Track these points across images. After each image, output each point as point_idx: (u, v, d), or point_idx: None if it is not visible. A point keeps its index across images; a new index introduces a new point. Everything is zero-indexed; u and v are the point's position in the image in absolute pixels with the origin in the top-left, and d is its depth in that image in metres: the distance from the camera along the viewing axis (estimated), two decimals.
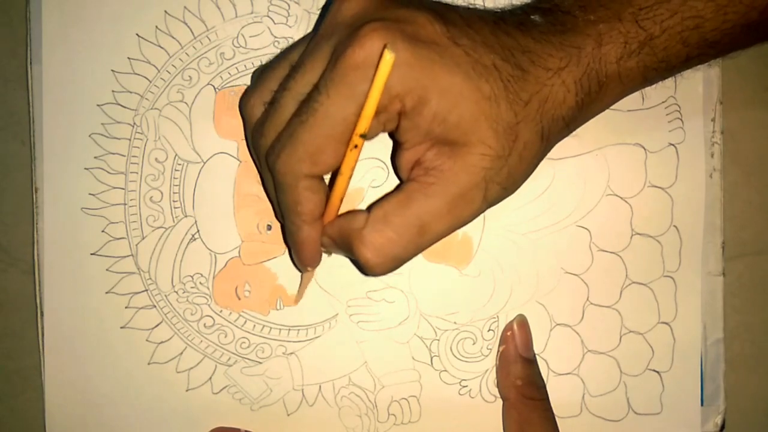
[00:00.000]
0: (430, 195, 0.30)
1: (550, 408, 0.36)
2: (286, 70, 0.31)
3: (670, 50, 0.31)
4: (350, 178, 0.31)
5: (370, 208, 0.31)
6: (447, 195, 0.30)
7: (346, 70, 0.28)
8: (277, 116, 0.31)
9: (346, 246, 0.31)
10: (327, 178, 0.32)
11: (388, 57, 0.27)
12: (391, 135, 0.32)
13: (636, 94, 0.37)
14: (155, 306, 0.37)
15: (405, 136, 0.30)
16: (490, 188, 0.30)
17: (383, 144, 0.36)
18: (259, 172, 0.35)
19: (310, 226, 0.31)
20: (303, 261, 0.33)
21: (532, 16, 0.31)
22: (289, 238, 0.33)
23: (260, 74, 0.33)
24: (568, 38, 0.30)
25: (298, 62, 0.31)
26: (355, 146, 0.29)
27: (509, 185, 0.31)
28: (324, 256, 0.34)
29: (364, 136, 0.29)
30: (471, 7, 0.33)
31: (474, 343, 0.38)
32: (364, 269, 0.31)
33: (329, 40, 0.30)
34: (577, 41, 0.30)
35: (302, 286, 0.37)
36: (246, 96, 0.33)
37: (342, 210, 0.32)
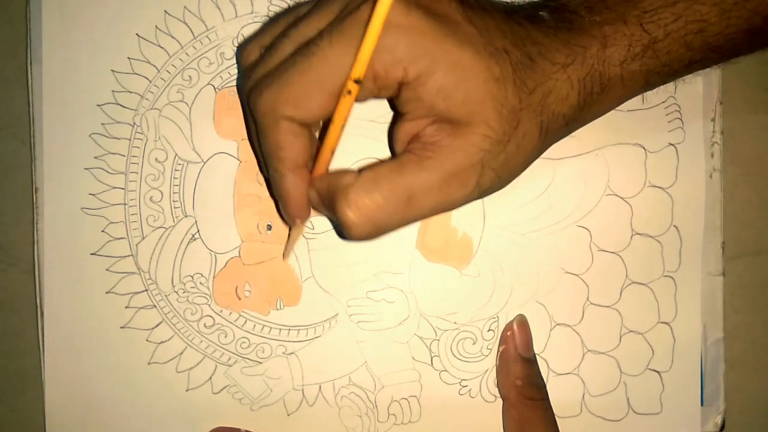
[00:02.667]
0: (425, 168, 0.29)
1: (550, 408, 0.36)
2: (292, 20, 0.31)
3: (673, 54, 0.31)
4: (342, 128, 0.29)
5: (361, 170, 0.30)
6: (441, 171, 0.29)
7: (354, 22, 0.28)
8: (271, 57, 0.30)
9: (330, 203, 0.30)
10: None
11: None
12: (393, 106, 0.31)
13: None
14: (155, 306, 0.37)
15: (406, 107, 0.30)
16: (485, 173, 0.30)
17: (383, 144, 0.36)
18: (245, 118, 0.33)
19: (294, 174, 0.30)
20: (289, 212, 0.32)
21: (540, 12, 0.31)
22: (273, 187, 0.31)
23: (264, 24, 0.32)
24: (574, 37, 0.30)
25: (305, 13, 0.30)
26: (349, 92, 0.28)
27: (504, 174, 0.30)
28: (322, 255, 0.34)
29: (359, 82, 0.28)
30: None
31: (474, 343, 0.38)
32: (343, 231, 0.30)
33: None
34: (582, 41, 0.30)
35: (290, 240, 0.36)
36: (245, 41, 0.32)
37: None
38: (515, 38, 0.29)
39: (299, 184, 0.30)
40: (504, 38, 0.29)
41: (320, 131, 0.31)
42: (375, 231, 0.29)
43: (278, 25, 0.31)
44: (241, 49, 0.32)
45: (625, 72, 0.31)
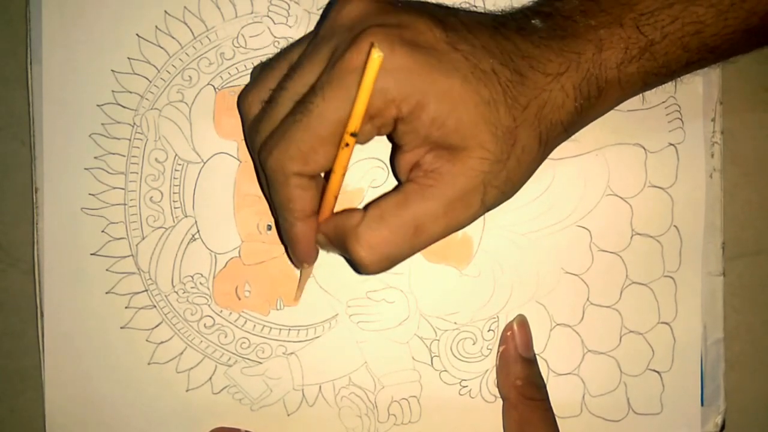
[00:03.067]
0: (428, 197, 0.30)
1: (550, 408, 0.36)
2: (285, 69, 0.31)
3: (670, 56, 0.31)
4: (343, 176, 0.31)
5: (366, 207, 0.31)
6: (444, 197, 0.30)
7: (343, 72, 0.28)
8: (273, 114, 0.31)
9: (341, 244, 0.31)
10: (323, 175, 0.32)
11: (376, 56, 0.27)
12: (390, 138, 0.32)
13: None
14: (155, 306, 0.37)
15: (403, 140, 0.30)
16: (488, 192, 0.30)
17: (383, 144, 0.36)
18: (255, 169, 0.35)
19: (303, 222, 0.31)
20: (298, 257, 0.33)
21: (532, 21, 0.31)
22: (283, 235, 0.33)
23: (259, 72, 0.33)
24: (568, 43, 0.30)
25: (296, 63, 0.31)
26: (347, 145, 0.29)
27: (507, 189, 0.31)
28: (322, 253, 0.34)
29: (355, 135, 0.29)
30: (472, 11, 0.33)
31: (474, 343, 0.38)
32: (358, 267, 0.31)
33: (328, 42, 0.30)
34: (577, 46, 0.30)
35: (301, 282, 0.37)
36: (244, 93, 0.33)
37: (339, 210, 0.32)
38: (503, 56, 0.30)
39: (308, 231, 0.32)
40: (491, 58, 0.29)
41: (324, 182, 0.32)
42: (388, 263, 0.31)
43: (273, 75, 0.32)
44: (241, 102, 0.33)
45: (623, 75, 0.31)
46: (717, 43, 0.31)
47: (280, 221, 0.32)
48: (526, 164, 0.31)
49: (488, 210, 0.31)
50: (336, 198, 0.32)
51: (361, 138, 0.30)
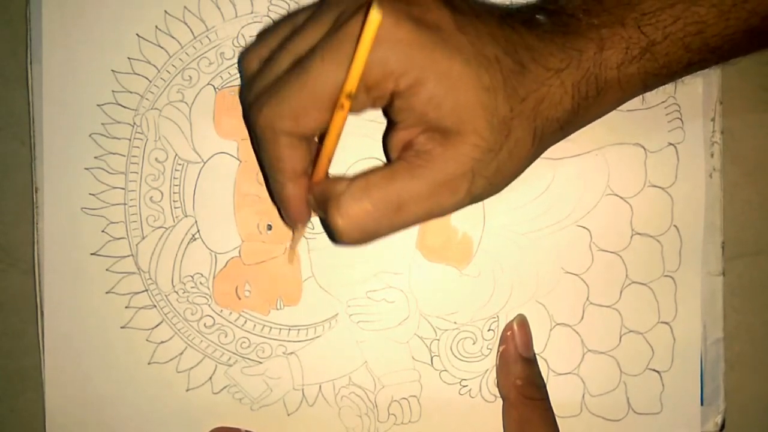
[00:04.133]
0: (415, 176, 0.29)
1: (550, 408, 0.36)
2: (288, 32, 0.31)
3: (671, 56, 0.31)
4: (338, 138, 0.30)
5: (354, 177, 0.30)
6: (432, 179, 0.29)
7: (344, 37, 0.28)
8: (269, 72, 0.30)
9: (324, 209, 0.30)
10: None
11: (374, 15, 0.26)
12: (386, 113, 0.32)
13: None
14: (155, 306, 0.37)
15: (399, 116, 0.30)
16: (476, 181, 0.30)
17: (381, 134, 0.36)
18: (249, 132, 0.34)
19: (293, 183, 0.31)
20: (290, 217, 0.33)
21: (537, 16, 0.31)
22: (274, 194, 0.32)
23: (263, 32, 0.33)
24: (570, 40, 0.30)
25: (300, 25, 0.31)
26: (342, 107, 0.29)
27: (496, 181, 0.31)
28: (322, 254, 0.34)
29: (351, 98, 0.28)
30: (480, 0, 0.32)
31: (474, 343, 0.38)
32: (333, 235, 0.30)
33: (335, 8, 0.29)
34: (579, 44, 0.30)
35: (293, 242, 0.36)
36: (245, 51, 0.33)
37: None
38: (507, 45, 0.29)
39: (298, 192, 0.31)
40: (496, 46, 0.29)
41: (320, 137, 0.31)
42: (363, 237, 0.30)
43: (276, 35, 0.32)
44: (241, 60, 0.33)
45: (623, 75, 0.31)
46: (718, 43, 0.31)
47: (270, 181, 0.32)
48: (517, 158, 0.30)
49: (473, 201, 0.31)
50: (330, 160, 0.31)
51: (356, 107, 0.30)
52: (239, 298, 0.37)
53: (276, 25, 0.32)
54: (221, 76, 0.37)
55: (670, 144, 0.38)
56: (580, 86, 0.30)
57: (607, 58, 0.30)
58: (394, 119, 0.31)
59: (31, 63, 0.37)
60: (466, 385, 0.38)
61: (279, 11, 0.37)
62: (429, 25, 0.28)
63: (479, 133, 0.29)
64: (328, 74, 0.28)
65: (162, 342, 0.37)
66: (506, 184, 0.31)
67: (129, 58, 0.37)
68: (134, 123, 0.37)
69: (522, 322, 0.37)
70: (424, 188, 0.29)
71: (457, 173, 0.29)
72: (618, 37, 0.30)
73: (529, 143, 0.30)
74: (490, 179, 0.30)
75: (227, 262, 0.37)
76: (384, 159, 0.37)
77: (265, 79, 0.30)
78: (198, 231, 0.37)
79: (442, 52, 0.28)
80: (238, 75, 0.37)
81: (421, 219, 0.30)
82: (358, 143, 0.37)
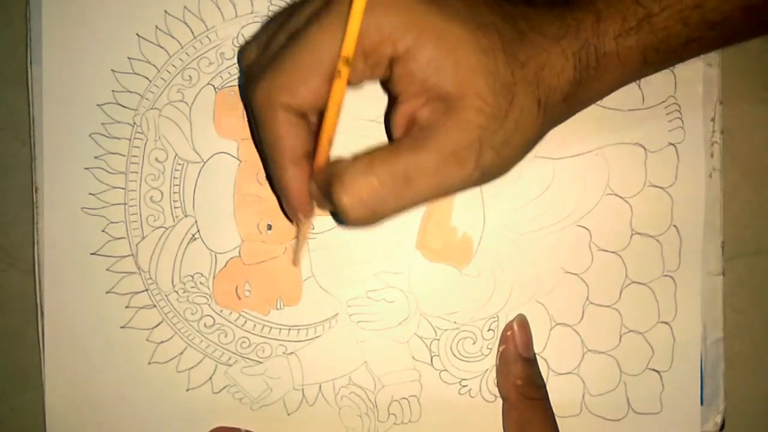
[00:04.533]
0: (421, 148, 0.28)
1: (550, 408, 0.36)
2: (285, 17, 0.31)
3: (670, 29, 0.30)
4: (338, 115, 0.29)
5: (357, 155, 0.29)
6: (438, 150, 0.28)
7: (339, 6, 0.28)
8: (267, 52, 0.30)
9: (327, 190, 0.29)
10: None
11: None
12: (386, 89, 0.31)
13: (636, 93, 0.37)
14: (155, 306, 0.37)
15: (399, 86, 0.29)
16: (484, 152, 0.29)
17: (383, 135, 0.36)
18: (249, 125, 0.34)
19: (294, 166, 0.30)
20: (291, 205, 0.31)
21: None
22: (274, 182, 0.31)
23: (263, 24, 0.32)
24: (568, 11, 0.30)
25: (296, 7, 0.30)
26: (339, 73, 0.28)
27: (505, 153, 0.29)
28: (322, 254, 0.34)
29: (349, 63, 0.28)
30: None
31: (474, 343, 0.38)
32: (340, 216, 0.29)
33: None
34: (576, 15, 0.30)
35: (299, 242, 0.36)
36: (245, 43, 0.32)
37: None
38: (505, 13, 0.29)
39: (300, 177, 0.30)
40: (493, 14, 0.29)
41: (317, 127, 0.31)
42: (371, 215, 0.29)
43: (274, 23, 0.31)
44: (242, 51, 0.33)
45: (621, 47, 0.30)
46: (717, 19, 0.30)
47: (270, 166, 0.31)
48: (524, 129, 0.29)
49: (483, 177, 0.30)
50: (331, 142, 0.30)
51: (354, 77, 0.29)
52: (239, 298, 0.37)
53: (272, 17, 0.32)
54: (221, 76, 0.37)
55: (670, 144, 0.38)
56: (581, 55, 0.30)
57: (605, 29, 0.30)
58: (395, 92, 0.30)
59: (31, 63, 0.37)
60: (466, 385, 0.38)
61: None
62: None
63: (482, 97, 0.28)
64: (324, 41, 0.28)
65: (162, 342, 0.37)
66: (515, 159, 0.30)
67: (129, 58, 0.37)
68: (134, 123, 0.37)
69: (522, 322, 0.37)
70: (431, 161, 0.28)
71: (464, 142, 0.28)
72: (615, 8, 0.30)
73: (535, 112, 0.29)
74: (498, 150, 0.29)
75: (227, 262, 0.37)
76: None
77: (263, 59, 0.30)
78: (198, 231, 0.37)
79: (440, 16, 0.28)
80: (238, 75, 0.37)
81: (429, 195, 0.29)
82: (358, 143, 0.37)
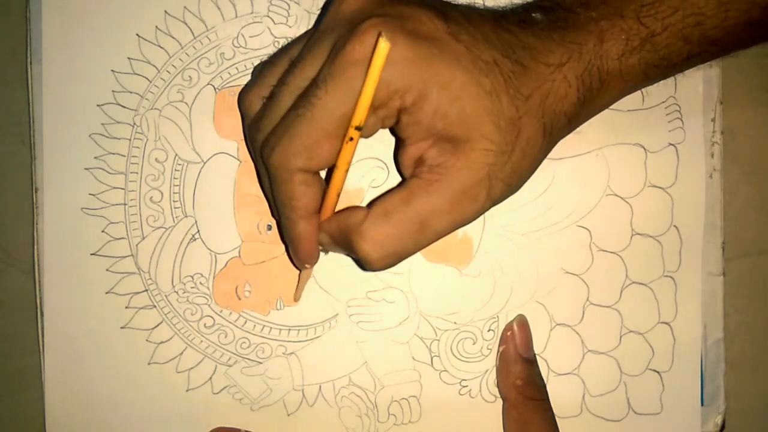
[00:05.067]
0: (433, 191, 0.30)
1: (550, 408, 0.36)
2: (286, 65, 0.31)
3: (671, 47, 0.31)
4: (346, 172, 0.31)
5: (370, 204, 0.31)
6: (449, 192, 0.29)
7: (345, 65, 0.28)
8: (274, 110, 0.30)
9: (345, 242, 0.31)
10: (324, 175, 0.32)
11: (383, 45, 0.27)
12: (393, 132, 0.32)
13: (636, 94, 0.37)
14: (155, 306, 0.37)
15: (406, 132, 0.30)
16: (493, 185, 0.30)
17: (383, 144, 0.36)
18: (256, 168, 0.35)
19: (306, 221, 0.31)
20: (300, 258, 0.33)
21: (533, 14, 0.31)
22: (285, 234, 0.33)
23: (260, 69, 0.33)
24: (569, 35, 0.30)
25: (297, 57, 0.31)
26: (351, 139, 0.29)
27: (513, 182, 0.31)
28: (321, 255, 0.34)
29: (360, 129, 0.29)
30: (472, 6, 0.33)
31: (474, 343, 0.38)
32: (363, 264, 0.31)
33: (329, 35, 0.30)
34: (578, 38, 0.30)
35: (300, 283, 0.36)
36: (244, 91, 0.33)
37: (340, 209, 0.32)
38: (504, 47, 0.30)
39: (310, 230, 0.32)
40: (493, 49, 0.29)
41: (326, 175, 0.32)
42: (393, 259, 0.30)
43: (274, 71, 0.32)
44: (241, 99, 0.33)
45: (624, 66, 0.31)
46: (718, 35, 0.31)
47: (282, 220, 0.32)
48: (531, 156, 0.30)
49: (494, 204, 0.31)
50: (338, 195, 0.32)
51: (366, 132, 0.30)
52: (239, 298, 0.37)
53: (271, 61, 0.32)
54: (221, 77, 0.37)
55: (671, 144, 0.38)
56: (584, 78, 0.30)
57: (608, 50, 0.30)
58: (402, 136, 0.31)
59: (31, 63, 0.37)
60: (466, 386, 0.38)
61: (279, 11, 0.37)
62: (425, 37, 0.29)
63: (488, 138, 0.29)
64: (335, 105, 0.28)
65: (162, 342, 0.37)
66: (523, 183, 0.31)
67: (129, 58, 0.37)
68: (134, 123, 0.37)
69: (522, 322, 0.37)
70: (444, 202, 0.30)
71: (474, 181, 0.29)
72: (618, 29, 0.30)
73: (540, 140, 0.30)
74: (507, 180, 0.30)
75: (227, 262, 0.37)
76: (378, 156, 0.37)
77: (270, 118, 0.31)
78: (198, 231, 0.37)
79: (442, 63, 0.28)
80: (239, 82, 0.37)
81: (447, 231, 0.30)
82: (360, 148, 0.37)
